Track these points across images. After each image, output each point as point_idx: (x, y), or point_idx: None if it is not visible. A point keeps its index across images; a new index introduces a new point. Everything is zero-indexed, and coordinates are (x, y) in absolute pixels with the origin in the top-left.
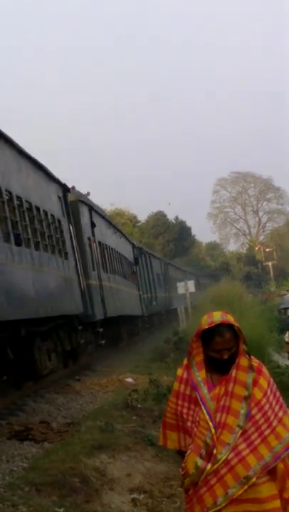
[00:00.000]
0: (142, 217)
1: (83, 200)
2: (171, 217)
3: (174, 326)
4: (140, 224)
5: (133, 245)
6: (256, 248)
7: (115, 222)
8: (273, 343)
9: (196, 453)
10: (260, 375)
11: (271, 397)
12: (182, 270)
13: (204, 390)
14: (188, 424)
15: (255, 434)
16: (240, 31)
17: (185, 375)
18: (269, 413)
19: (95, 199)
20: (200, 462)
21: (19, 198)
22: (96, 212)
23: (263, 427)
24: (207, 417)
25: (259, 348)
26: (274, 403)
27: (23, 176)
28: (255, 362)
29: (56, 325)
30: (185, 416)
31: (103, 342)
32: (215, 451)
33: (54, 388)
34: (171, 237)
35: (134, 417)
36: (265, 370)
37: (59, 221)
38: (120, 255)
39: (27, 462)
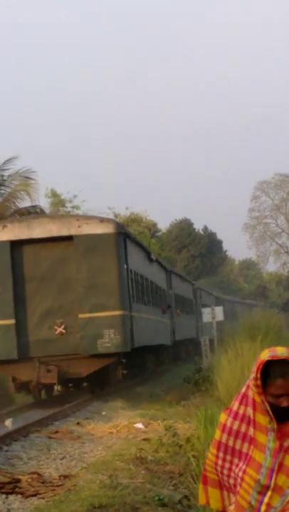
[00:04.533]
0: (163, 225)
1: (200, 287)
2: (198, 226)
3: (195, 361)
4: (160, 233)
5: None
6: None
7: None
8: None
9: None
10: None
11: None
12: (243, 303)
13: (271, 442)
14: (231, 481)
15: None
16: None
17: (229, 423)
18: None
19: (108, 201)
20: None
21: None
22: (203, 290)
23: None
24: (259, 476)
25: None
26: None
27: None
28: None
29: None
30: (226, 471)
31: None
32: None
33: (47, 432)
34: (197, 251)
35: (143, 472)
36: None
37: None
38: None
39: None
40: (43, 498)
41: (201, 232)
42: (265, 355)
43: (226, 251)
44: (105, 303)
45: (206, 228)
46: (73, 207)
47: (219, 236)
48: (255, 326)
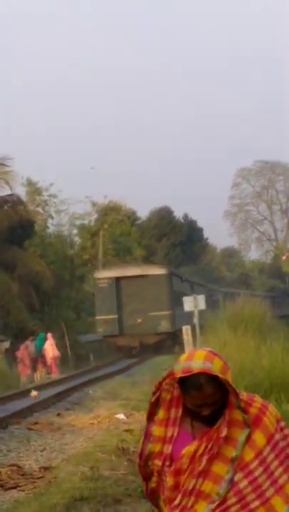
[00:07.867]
0: (143, 213)
1: (212, 288)
2: (178, 214)
3: (175, 352)
4: (140, 222)
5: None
6: (283, 257)
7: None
8: None
9: None
10: (257, 427)
11: (271, 457)
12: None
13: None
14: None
15: (236, 507)
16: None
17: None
18: (261, 480)
19: (84, 190)
20: None
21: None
22: (213, 289)
23: (249, 498)
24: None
25: (283, 387)
26: (275, 465)
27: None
28: (257, 404)
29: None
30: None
31: None
32: None
33: (26, 423)
34: (177, 239)
35: (125, 463)
36: (268, 418)
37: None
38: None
39: None
40: (23, 491)
41: (182, 220)
42: (179, 367)
43: (206, 239)
44: (162, 307)
45: (186, 216)
46: (50, 195)
47: (200, 224)
48: (238, 314)
